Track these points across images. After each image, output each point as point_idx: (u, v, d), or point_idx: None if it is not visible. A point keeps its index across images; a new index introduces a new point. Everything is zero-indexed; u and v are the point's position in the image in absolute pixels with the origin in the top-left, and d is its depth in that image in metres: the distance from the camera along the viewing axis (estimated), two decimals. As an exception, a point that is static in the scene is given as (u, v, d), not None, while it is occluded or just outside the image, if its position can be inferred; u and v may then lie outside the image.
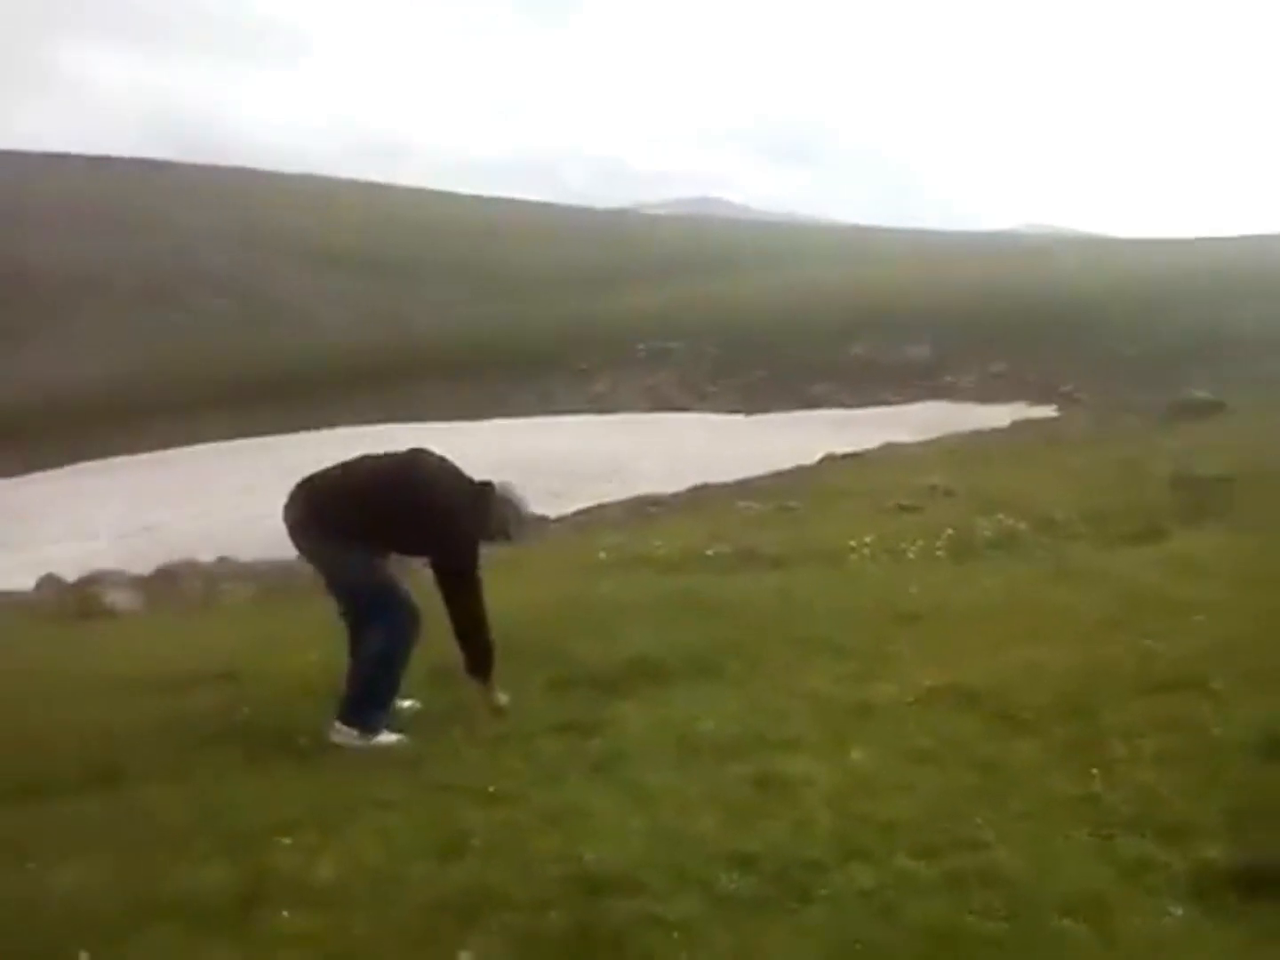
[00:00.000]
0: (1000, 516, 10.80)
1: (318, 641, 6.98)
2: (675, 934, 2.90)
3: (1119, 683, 4.71)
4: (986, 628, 6.03)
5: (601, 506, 17.56)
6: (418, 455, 5.29)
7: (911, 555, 9.62)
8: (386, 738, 4.99)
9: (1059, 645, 5.48)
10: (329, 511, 5.09)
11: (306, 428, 31.69)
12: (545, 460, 23.59)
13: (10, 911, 3.37)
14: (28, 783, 4.72)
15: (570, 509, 17.64)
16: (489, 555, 5.40)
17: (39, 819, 4.27)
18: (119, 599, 12.69)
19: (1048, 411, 26.55)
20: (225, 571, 15.05)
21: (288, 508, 5.24)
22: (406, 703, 5.31)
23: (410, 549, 5.38)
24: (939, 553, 9.68)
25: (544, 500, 19.21)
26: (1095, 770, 3.81)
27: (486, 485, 5.26)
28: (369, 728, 5.00)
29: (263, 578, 14.44)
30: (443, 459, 5.32)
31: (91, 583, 13.78)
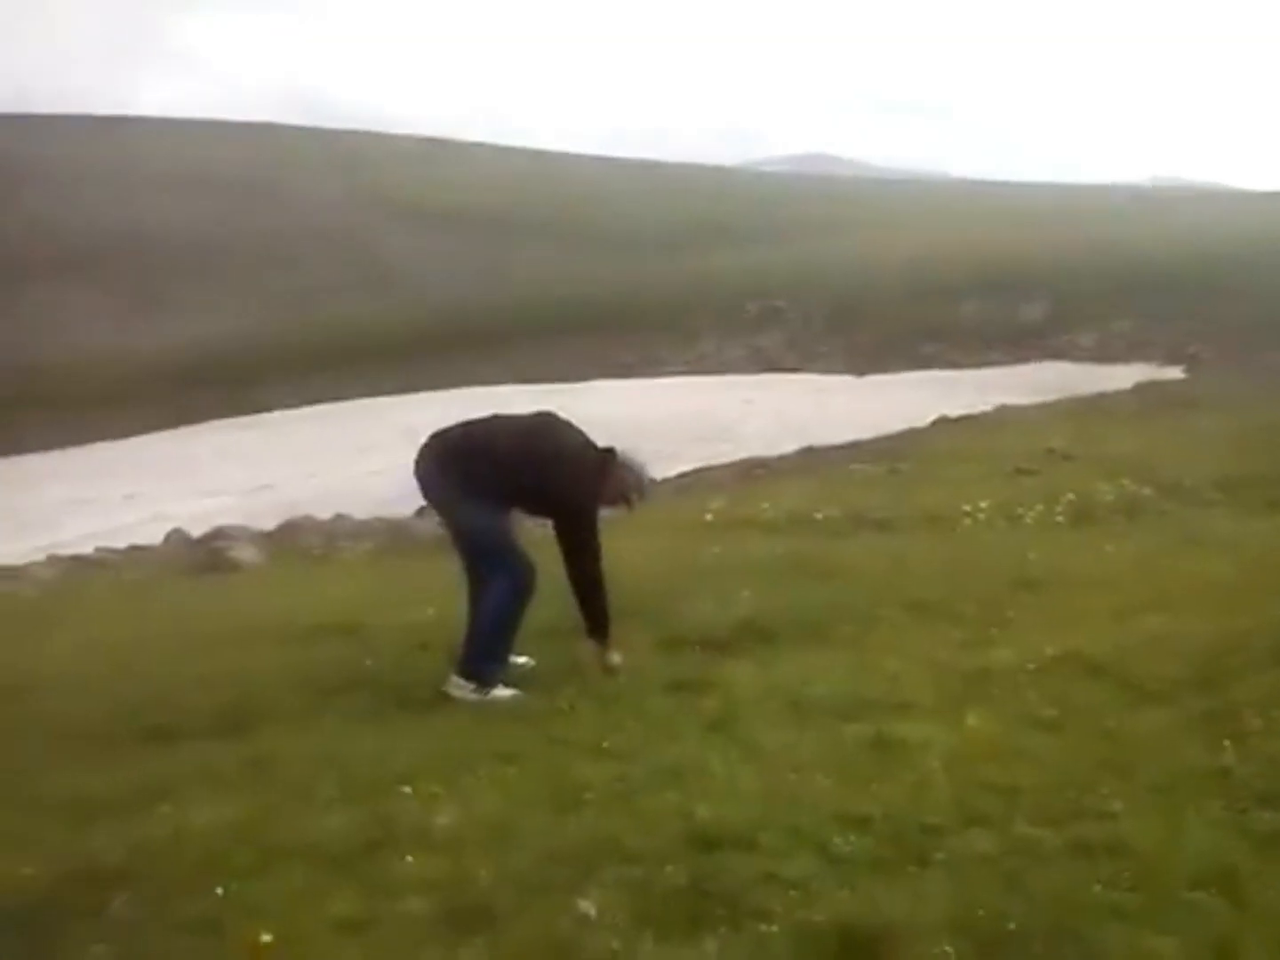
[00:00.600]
0: (1124, 482, 10.48)
1: (434, 597, 7.13)
2: (792, 892, 2.90)
3: (1252, 654, 4.54)
4: (1111, 595, 5.86)
5: (707, 469, 17.53)
6: (549, 418, 5.38)
7: (1029, 520, 9.39)
8: (501, 692, 5.07)
9: (1188, 614, 5.30)
10: (459, 466, 5.20)
11: (417, 389, 32.28)
12: (650, 422, 23.62)
13: (150, 849, 3.52)
14: (162, 727, 4.93)
15: (675, 471, 17.66)
16: (606, 519, 5.44)
17: (173, 762, 4.45)
18: (243, 554, 13.13)
19: (1174, 373, 25.62)
20: (342, 529, 15.46)
21: (419, 460, 5.36)
22: (521, 659, 5.38)
23: (535, 509, 5.44)
24: (1059, 518, 9.44)
25: (652, 460, 19.25)
26: (1227, 742, 3.68)
27: (610, 451, 5.32)
28: (485, 682, 5.09)
29: (378, 535, 14.80)
30: (570, 423, 5.38)
31: (216, 538, 14.28)
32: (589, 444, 5.33)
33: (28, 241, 52.10)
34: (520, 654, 5.40)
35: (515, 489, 5.20)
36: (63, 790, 4.20)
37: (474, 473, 5.16)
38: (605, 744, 4.20)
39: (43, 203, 55.61)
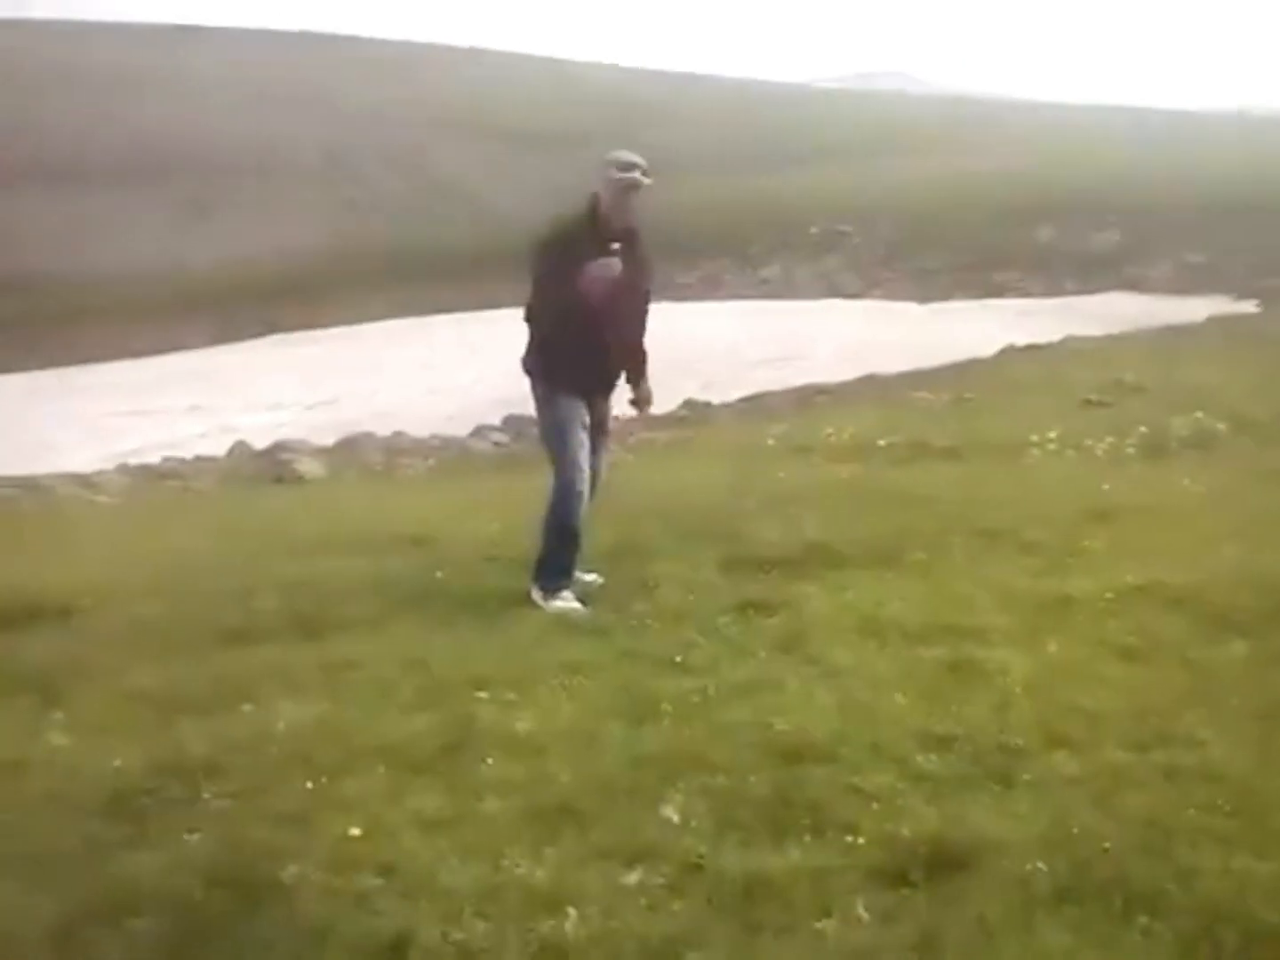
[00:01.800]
0: (1198, 415, 10.27)
1: (498, 511, 7.20)
2: (875, 805, 2.91)
3: (1337, 587, 4.45)
4: (1188, 527, 5.76)
5: (768, 393, 17.42)
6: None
7: (1100, 452, 9.25)
8: (562, 603, 5.09)
9: (1266, 547, 5.20)
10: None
11: (477, 306, 32.27)
12: (711, 346, 23.49)
13: (237, 745, 3.61)
14: (240, 630, 5.02)
15: (736, 395, 17.57)
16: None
17: (252, 664, 4.54)
18: (305, 467, 13.32)
19: (1248, 307, 24.92)
20: (402, 445, 15.63)
21: None
22: (589, 576, 5.39)
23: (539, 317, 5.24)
24: (1130, 450, 9.29)
25: (709, 386, 19.25)
26: (1313, 674, 3.62)
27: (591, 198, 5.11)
28: (546, 590, 5.14)
29: (437, 452, 14.94)
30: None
31: (279, 450, 14.50)
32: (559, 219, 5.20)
33: (84, 151, 52.30)
34: (590, 570, 5.42)
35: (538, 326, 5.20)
36: (148, 687, 4.31)
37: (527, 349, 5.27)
38: (678, 659, 4.22)
39: (98, 110, 55.69)
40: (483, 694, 3.96)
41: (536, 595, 5.15)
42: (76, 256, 45.46)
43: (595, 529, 5.37)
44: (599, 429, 5.32)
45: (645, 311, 5.40)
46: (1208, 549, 5.25)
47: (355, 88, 63.68)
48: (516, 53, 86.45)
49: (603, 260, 4.92)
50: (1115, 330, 20.32)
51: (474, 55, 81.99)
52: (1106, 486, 7.09)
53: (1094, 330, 20.56)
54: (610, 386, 5.34)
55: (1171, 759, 3.04)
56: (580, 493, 5.15)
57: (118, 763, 3.56)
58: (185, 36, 73.39)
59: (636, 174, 5.02)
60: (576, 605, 5.10)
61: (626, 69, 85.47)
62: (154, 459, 15.08)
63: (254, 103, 59.25)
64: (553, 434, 5.23)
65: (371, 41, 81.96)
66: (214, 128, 55.53)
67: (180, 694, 4.21)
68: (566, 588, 5.16)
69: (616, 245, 4.99)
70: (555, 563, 5.19)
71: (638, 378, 5.43)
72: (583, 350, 5.07)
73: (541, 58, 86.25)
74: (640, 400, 5.48)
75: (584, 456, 5.18)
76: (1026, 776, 3.02)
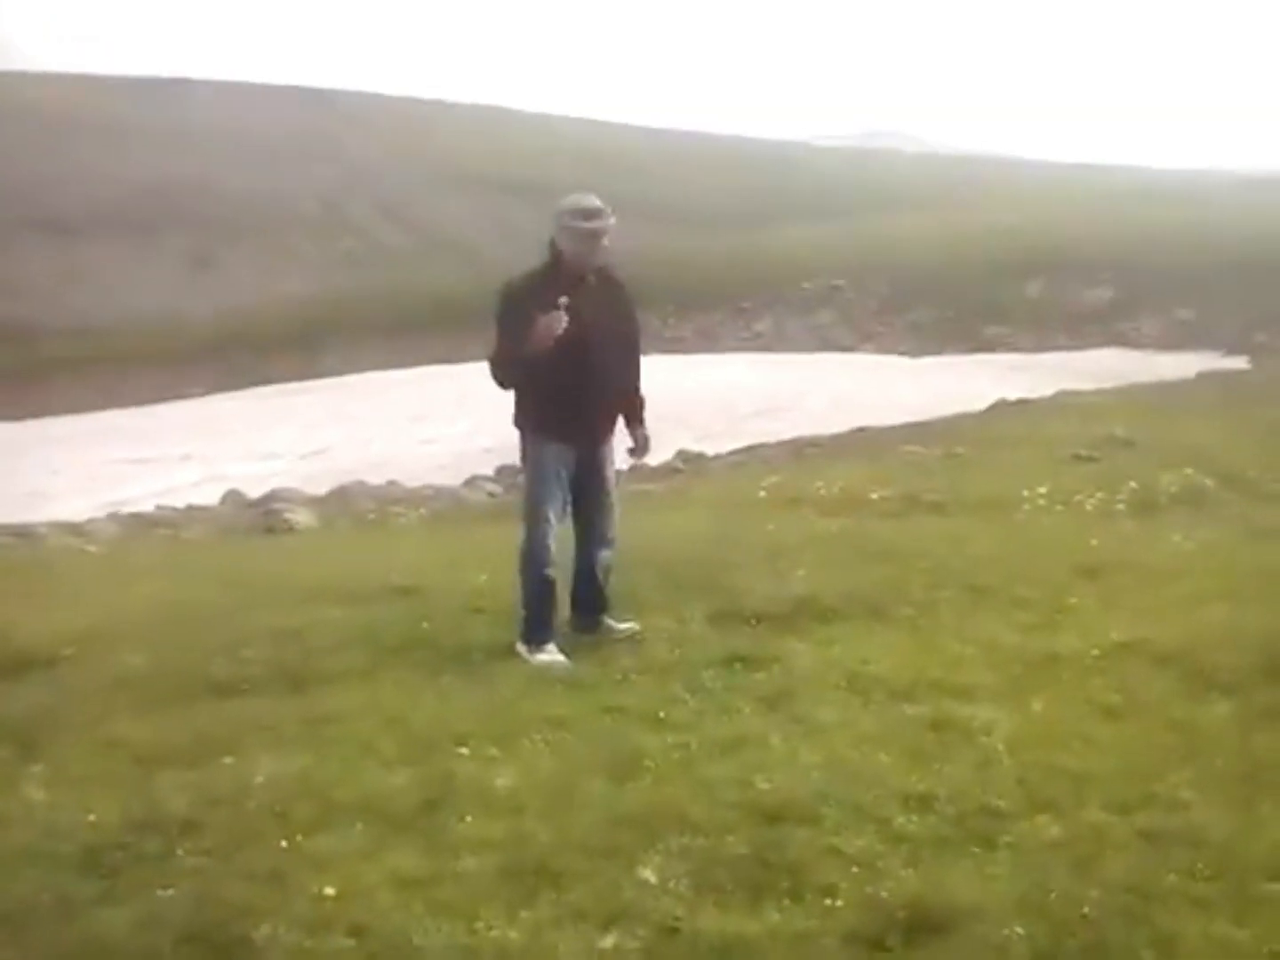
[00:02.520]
0: (1187, 471, 10.29)
1: (488, 563, 7.17)
2: (855, 868, 2.88)
3: (1322, 648, 4.44)
4: (1177, 585, 5.75)
5: (760, 445, 17.45)
6: None
7: (1089, 507, 9.26)
8: (546, 656, 5.05)
9: (1257, 606, 5.19)
10: None
11: (472, 357, 32.41)
12: (704, 398, 23.55)
13: (215, 801, 3.58)
14: (225, 682, 4.99)
15: (729, 447, 17.62)
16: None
17: (235, 717, 4.51)
18: (297, 516, 13.30)
19: (1240, 363, 25.08)
20: (394, 494, 15.62)
21: None
22: (624, 625, 5.35)
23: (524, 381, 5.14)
24: (1119, 506, 9.30)
25: (702, 438, 19.30)
26: (1299, 736, 3.60)
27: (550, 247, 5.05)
28: (528, 644, 5.12)
29: (429, 502, 14.93)
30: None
31: (272, 500, 14.49)
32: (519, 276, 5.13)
33: (84, 202, 52.79)
34: (626, 618, 5.40)
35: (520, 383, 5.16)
36: (129, 739, 4.28)
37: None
38: (661, 714, 4.20)
39: (103, 163, 56.29)
40: (464, 749, 3.93)
41: (520, 648, 5.14)
42: (76, 307, 45.74)
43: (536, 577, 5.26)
44: (598, 479, 5.26)
45: (633, 355, 5.34)
46: (1196, 607, 5.24)
47: (353, 141, 64.46)
48: (513, 109, 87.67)
49: (547, 316, 4.82)
50: (1106, 385, 20.41)
51: (471, 111, 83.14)
52: (1095, 542, 7.09)
53: (1085, 385, 20.65)
54: (597, 434, 5.20)
55: (1154, 821, 3.02)
56: (548, 545, 5.12)
57: (93, 817, 3.53)
58: (186, 90, 74.31)
59: (600, 222, 4.93)
60: (559, 659, 5.06)
61: (624, 125, 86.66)
62: (147, 507, 15.05)
63: (253, 156, 59.92)
64: (528, 485, 5.23)
65: (369, 96, 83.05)
66: (214, 180, 56.11)
67: (161, 746, 4.18)
68: (548, 640, 5.13)
69: (564, 300, 4.85)
70: (533, 616, 5.17)
71: (634, 424, 5.38)
72: (557, 398, 5.01)
73: (537, 114, 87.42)
74: (636, 447, 5.43)
75: (555, 511, 5.13)
76: (1007, 839, 3.00)
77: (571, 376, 4.96)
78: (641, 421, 5.41)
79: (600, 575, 5.39)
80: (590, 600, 5.42)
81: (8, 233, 50.05)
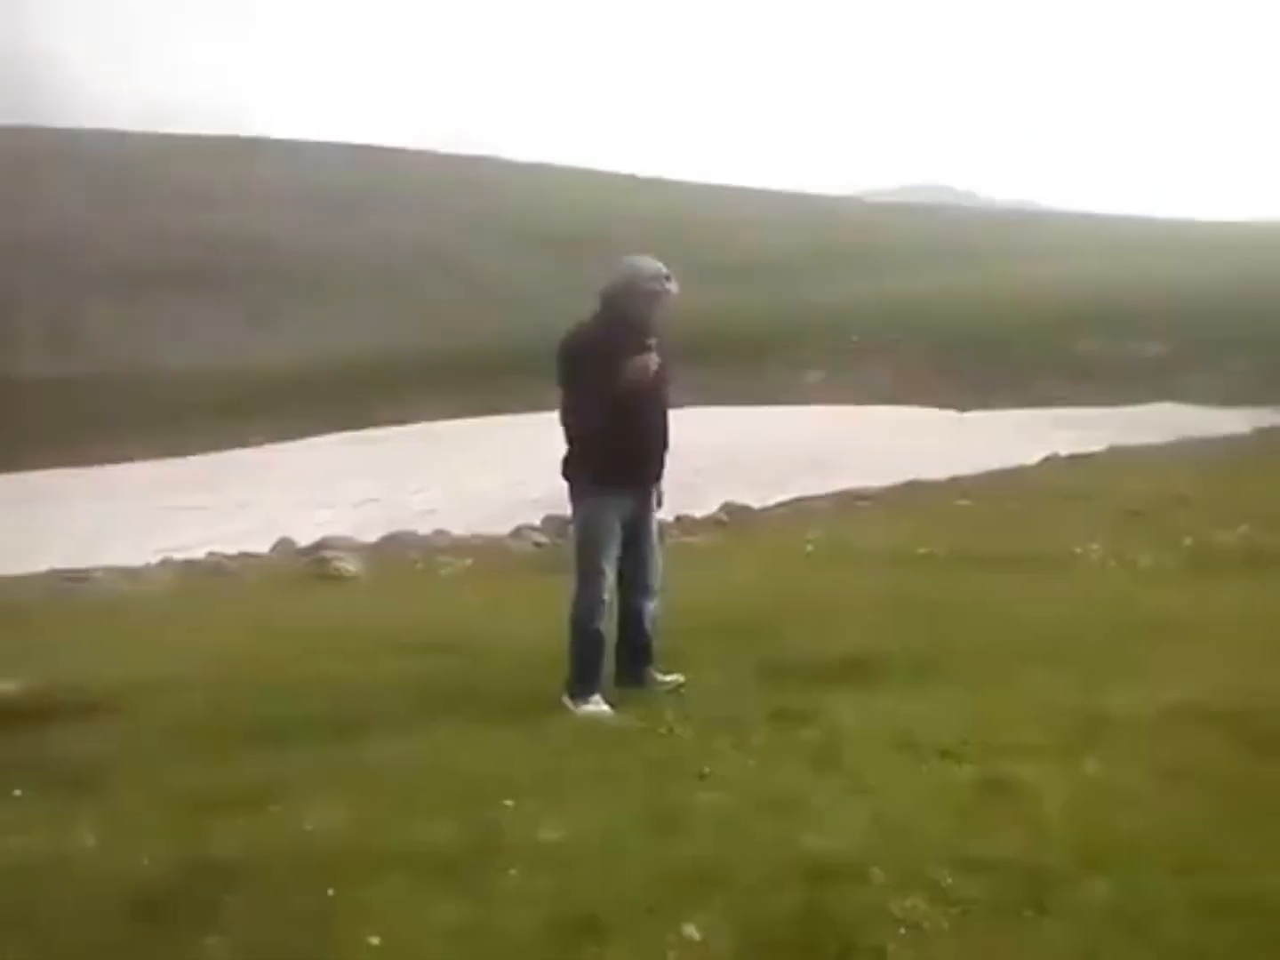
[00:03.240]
0: (1243, 528, 10.13)
1: (537, 613, 7.21)
2: (903, 930, 2.84)
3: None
4: (1233, 644, 5.66)
5: (808, 498, 17.41)
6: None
7: (1144, 564, 9.14)
8: (592, 707, 5.08)
9: (1314, 668, 5.09)
10: None
11: (522, 409, 32.72)
12: (753, 449, 23.61)
13: (263, 847, 3.60)
14: (275, 729, 5.04)
15: (775, 500, 17.59)
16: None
17: (284, 763, 4.55)
18: (346, 564, 13.42)
19: (1297, 419, 24.66)
20: (442, 544, 15.74)
21: None
22: (670, 677, 5.39)
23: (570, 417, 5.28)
24: (1174, 563, 9.17)
25: (749, 489, 19.29)
26: (1360, 802, 3.51)
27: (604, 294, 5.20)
28: (575, 696, 5.15)
29: (477, 552, 15.02)
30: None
31: (322, 548, 14.66)
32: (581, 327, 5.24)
33: (149, 256, 54.23)
34: (670, 671, 5.45)
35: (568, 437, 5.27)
36: (181, 784, 4.32)
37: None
38: (706, 769, 4.17)
39: (165, 218, 57.87)
40: (510, 801, 3.93)
41: (567, 700, 5.15)
42: (138, 358, 46.83)
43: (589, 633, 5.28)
44: (645, 530, 5.34)
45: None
46: (1252, 668, 5.15)
47: (408, 198, 65.75)
48: (564, 165, 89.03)
49: (641, 357, 5.06)
50: (1159, 441, 20.19)
51: (527, 168, 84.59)
52: (1149, 600, 7.01)
53: (1138, 440, 20.44)
54: (649, 484, 5.35)
55: (1212, 886, 2.95)
56: (603, 599, 5.19)
57: (145, 862, 3.56)
58: (249, 148, 76.38)
59: (670, 285, 5.15)
60: (606, 710, 5.08)
61: (674, 181, 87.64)
62: (199, 554, 15.29)
63: (311, 213, 61.34)
64: (582, 537, 5.25)
65: (427, 154, 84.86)
66: (274, 236, 57.47)
67: (211, 792, 4.22)
68: (594, 692, 5.16)
69: (653, 342, 5.14)
70: (582, 668, 5.19)
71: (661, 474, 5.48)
72: (621, 449, 5.14)
73: (588, 170, 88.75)
74: (658, 503, 5.52)
75: (610, 563, 5.20)
76: (1060, 902, 2.94)
77: (638, 427, 5.15)
78: (661, 478, 5.52)
79: (647, 626, 5.42)
80: (637, 652, 5.44)
81: (74, 285, 51.49)
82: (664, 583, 5.50)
